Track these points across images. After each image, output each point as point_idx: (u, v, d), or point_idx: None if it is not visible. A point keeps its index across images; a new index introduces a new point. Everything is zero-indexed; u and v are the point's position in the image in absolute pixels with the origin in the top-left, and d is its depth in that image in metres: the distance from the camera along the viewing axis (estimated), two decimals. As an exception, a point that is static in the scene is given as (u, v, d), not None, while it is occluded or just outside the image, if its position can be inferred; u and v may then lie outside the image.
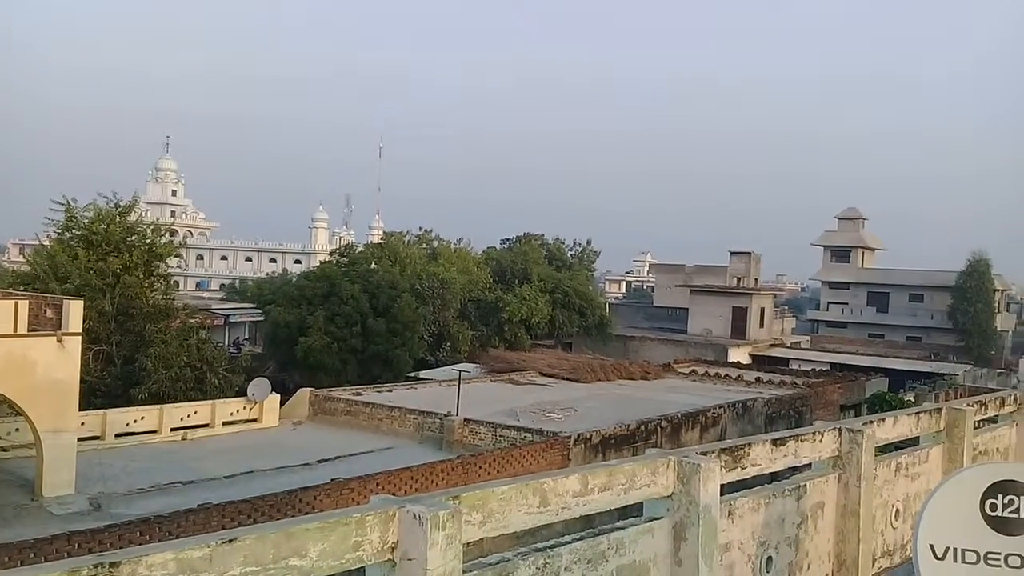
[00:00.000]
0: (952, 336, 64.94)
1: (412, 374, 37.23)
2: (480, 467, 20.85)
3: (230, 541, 3.26)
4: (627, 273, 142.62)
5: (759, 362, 53.26)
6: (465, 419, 25.54)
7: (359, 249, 52.10)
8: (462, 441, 24.95)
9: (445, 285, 45.51)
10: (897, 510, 10.07)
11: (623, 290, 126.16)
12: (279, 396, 28.00)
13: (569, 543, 5.14)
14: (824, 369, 49.15)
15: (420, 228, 60.51)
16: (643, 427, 26.16)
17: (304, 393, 29.29)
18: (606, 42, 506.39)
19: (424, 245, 57.48)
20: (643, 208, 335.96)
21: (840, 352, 59.02)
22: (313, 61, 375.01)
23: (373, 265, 44.95)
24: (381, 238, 60.21)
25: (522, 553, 4.79)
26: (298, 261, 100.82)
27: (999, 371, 50.37)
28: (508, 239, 69.04)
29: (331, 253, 57.72)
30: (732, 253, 66.76)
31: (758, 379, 40.41)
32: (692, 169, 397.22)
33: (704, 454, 6.78)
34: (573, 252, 71.60)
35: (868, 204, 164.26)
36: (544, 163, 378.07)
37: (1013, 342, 71.61)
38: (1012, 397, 15.45)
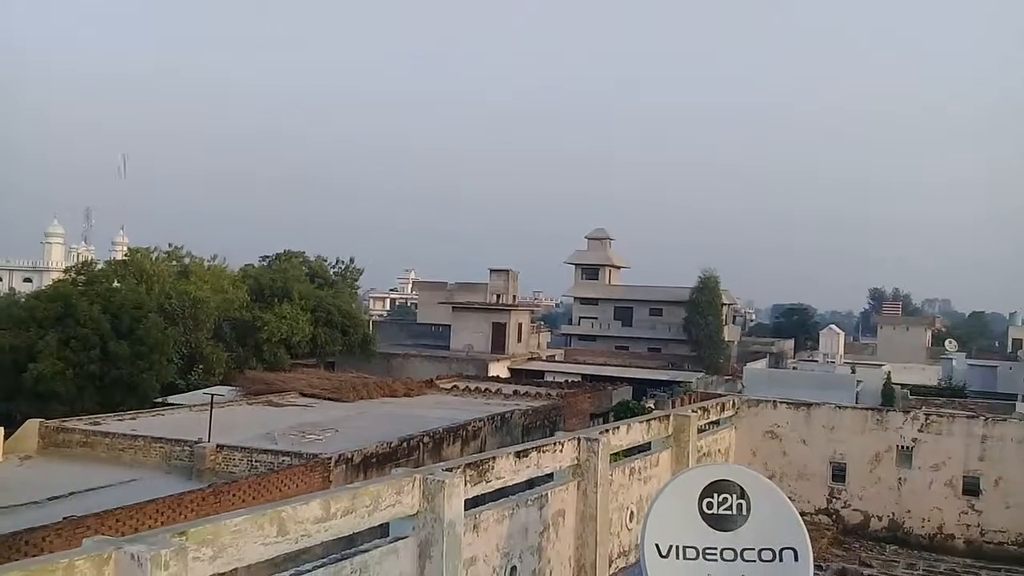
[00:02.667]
0: (687, 347, 70.74)
1: (160, 400, 35.04)
2: (234, 495, 19.93)
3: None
4: (391, 291, 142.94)
5: (517, 375, 55.27)
6: (218, 445, 24.36)
7: (100, 266, 48.13)
8: (215, 469, 23.77)
9: (197, 304, 43.20)
10: (632, 512, 10.84)
11: (388, 307, 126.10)
12: (3, 429, 25.44)
13: (309, 571, 5.09)
14: (576, 380, 51.82)
15: (170, 244, 56.72)
16: (405, 444, 26.26)
17: (33, 424, 26.71)
18: (354, 48, 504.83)
19: (174, 262, 54.00)
20: (409, 227, 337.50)
21: (590, 364, 62.52)
22: (47, 56, 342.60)
23: (116, 284, 41.77)
24: (125, 254, 55.94)
25: (257, 585, 4.69)
26: (28, 280, 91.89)
27: (727, 378, 55.44)
28: (267, 256, 66.77)
29: (67, 271, 52.95)
30: (492, 271, 68.70)
31: (516, 392, 41.89)
32: (458, 188, 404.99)
33: (449, 470, 6.96)
34: (336, 270, 70.49)
35: (615, 224, 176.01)
36: (310, 178, 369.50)
37: (739, 351, 79.25)
38: (731, 402, 17.11)
